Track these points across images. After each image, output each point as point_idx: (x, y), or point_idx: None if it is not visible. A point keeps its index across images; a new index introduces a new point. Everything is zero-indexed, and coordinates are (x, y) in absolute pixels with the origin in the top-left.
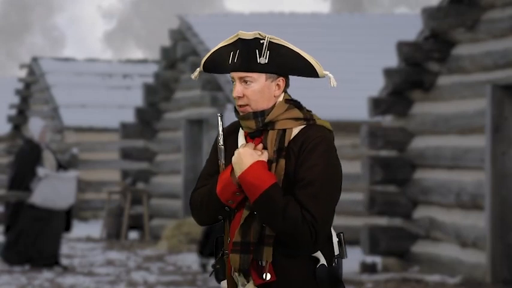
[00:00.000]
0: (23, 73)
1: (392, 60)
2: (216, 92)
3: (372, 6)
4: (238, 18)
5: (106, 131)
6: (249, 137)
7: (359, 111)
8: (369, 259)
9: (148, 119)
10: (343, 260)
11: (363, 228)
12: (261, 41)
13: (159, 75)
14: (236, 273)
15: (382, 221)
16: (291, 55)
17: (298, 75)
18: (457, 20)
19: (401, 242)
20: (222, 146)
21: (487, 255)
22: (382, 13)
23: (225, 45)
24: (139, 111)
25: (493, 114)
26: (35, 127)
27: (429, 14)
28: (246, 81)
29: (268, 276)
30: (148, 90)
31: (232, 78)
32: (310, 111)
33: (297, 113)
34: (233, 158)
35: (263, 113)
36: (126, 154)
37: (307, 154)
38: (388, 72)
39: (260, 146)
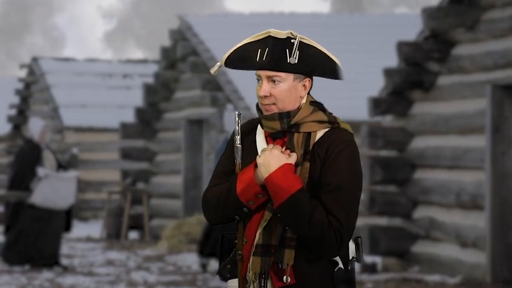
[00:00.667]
0: (23, 73)
1: (392, 60)
2: (216, 92)
3: (372, 6)
4: (238, 18)
5: (106, 131)
6: (270, 137)
7: (359, 111)
8: (369, 259)
9: (148, 119)
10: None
11: (362, 228)
12: (292, 41)
13: (159, 75)
14: (251, 275)
15: (382, 221)
16: (319, 56)
17: (323, 76)
18: (457, 20)
19: (401, 242)
20: (240, 145)
21: (487, 255)
22: (382, 13)
23: (252, 42)
24: (139, 111)
25: (493, 114)
26: (35, 127)
27: (429, 14)
28: (274, 81)
29: (289, 279)
30: (148, 90)
31: (259, 76)
32: (332, 114)
33: (321, 115)
34: (259, 158)
35: (289, 115)
36: (126, 154)
37: (334, 158)
38: (388, 72)
39: (287, 150)
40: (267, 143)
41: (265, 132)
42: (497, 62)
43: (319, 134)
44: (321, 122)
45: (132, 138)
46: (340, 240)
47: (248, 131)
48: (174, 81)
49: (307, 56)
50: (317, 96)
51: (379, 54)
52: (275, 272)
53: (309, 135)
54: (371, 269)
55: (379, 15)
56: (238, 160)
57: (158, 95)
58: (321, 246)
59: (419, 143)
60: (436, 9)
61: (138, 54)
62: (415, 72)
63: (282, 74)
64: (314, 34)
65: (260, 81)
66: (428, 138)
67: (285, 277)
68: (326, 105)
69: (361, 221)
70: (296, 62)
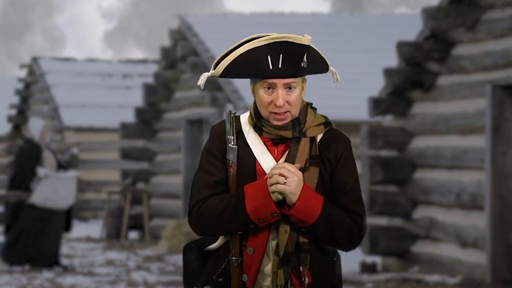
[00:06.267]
0: (23, 73)
1: (392, 60)
2: (216, 92)
3: (372, 6)
4: (238, 18)
5: (106, 131)
6: (272, 143)
7: (359, 111)
8: (369, 259)
9: (148, 119)
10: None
11: None
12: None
13: (159, 75)
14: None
15: (382, 221)
16: (318, 58)
17: (312, 74)
18: (457, 20)
19: (401, 242)
20: (235, 146)
21: (487, 255)
22: (382, 13)
23: (255, 48)
24: (139, 111)
25: (493, 114)
26: (35, 127)
27: (429, 14)
28: (290, 87)
29: (308, 280)
30: (148, 90)
31: (271, 84)
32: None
33: (320, 118)
34: (292, 181)
35: (299, 122)
36: (126, 154)
37: (345, 159)
38: (388, 72)
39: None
40: (267, 148)
41: (261, 136)
42: (497, 62)
43: (319, 136)
44: (319, 124)
45: (132, 138)
46: (363, 232)
47: (237, 132)
48: (174, 81)
49: (313, 59)
50: (316, 96)
51: (379, 54)
52: (295, 276)
53: (313, 139)
54: (371, 269)
55: (379, 15)
56: (234, 161)
57: (158, 95)
58: (348, 243)
59: (419, 143)
60: (436, 9)
61: (138, 54)
62: (415, 72)
63: (297, 79)
64: (314, 34)
65: (271, 89)
66: (428, 138)
67: (303, 278)
68: (326, 106)
69: None
70: (306, 65)
